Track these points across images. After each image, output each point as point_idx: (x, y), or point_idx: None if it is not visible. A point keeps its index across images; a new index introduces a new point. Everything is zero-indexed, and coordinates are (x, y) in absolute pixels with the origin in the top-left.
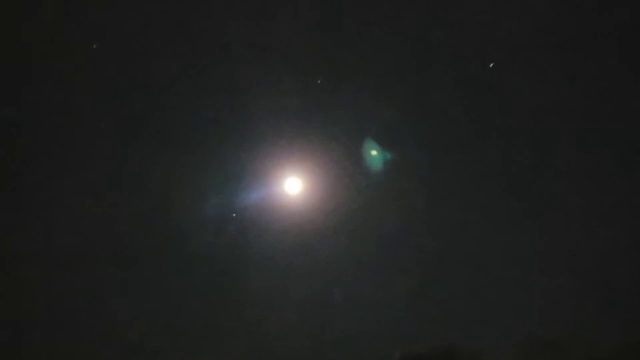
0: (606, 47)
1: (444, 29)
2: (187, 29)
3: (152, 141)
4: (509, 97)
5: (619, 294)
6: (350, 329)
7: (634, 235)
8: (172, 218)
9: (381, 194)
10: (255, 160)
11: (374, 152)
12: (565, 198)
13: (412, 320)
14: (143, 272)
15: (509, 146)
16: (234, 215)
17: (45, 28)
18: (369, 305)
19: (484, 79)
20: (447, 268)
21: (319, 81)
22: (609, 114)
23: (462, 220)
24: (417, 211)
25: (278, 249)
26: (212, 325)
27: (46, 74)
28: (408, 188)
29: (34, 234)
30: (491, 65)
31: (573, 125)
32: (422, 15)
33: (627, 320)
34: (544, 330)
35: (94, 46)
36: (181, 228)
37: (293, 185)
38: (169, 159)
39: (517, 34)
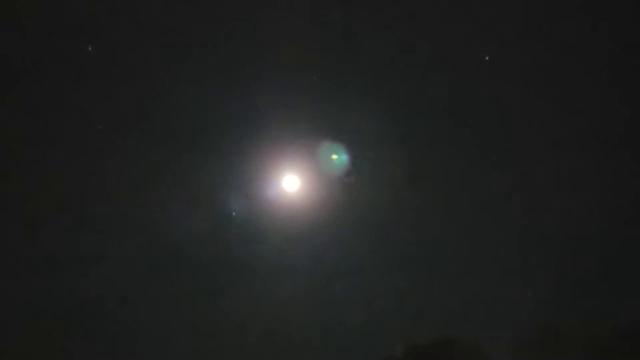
0: (598, 44)
1: (440, 27)
2: (186, 30)
3: (152, 140)
4: (506, 95)
5: (617, 282)
6: (352, 324)
7: (632, 224)
8: (172, 216)
9: (380, 190)
10: (253, 158)
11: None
12: (562, 189)
13: (412, 313)
14: (143, 270)
15: (504, 141)
16: (233, 214)
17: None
18: (369, 299)
19: (478, 76)
20: (446, 262)
21: (315, 77)
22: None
23: (461, 215)
24: (415, 207)
25: (278, 247)
26: (212, 322)
27: (46, 76)
28: (407, 183)
29: (35, 234)
30: (487, 58)
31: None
32: (420, 13)
33: (625, 308)
34: (541, 320)
35: (89, 48)
36: (181, 227)
37: (291, 183)
38: (167, 159)
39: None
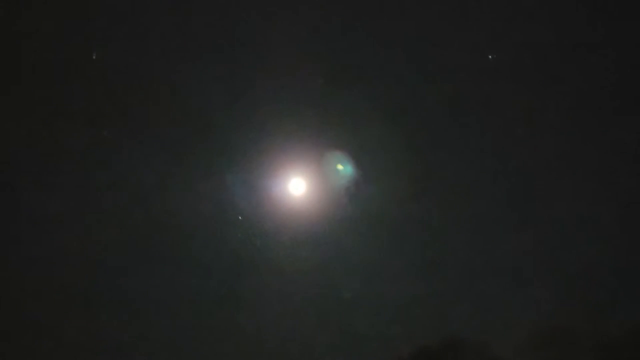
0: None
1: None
2: (189, 32)
3: (158, 145)
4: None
5: (626, 282)
6: (359, 326)
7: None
8: (178, 220)
9: (388, 195)
10: (260, 162)
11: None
12: (567, 193)
13: (419, 315)
14: (148, 275)
15: (512, 144)
16: (239, 218)
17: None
18: (377, 301)
19: (482, 77)
20: (454, 264)
21: (320, 81)
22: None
23: (468, 218)
24: (422, 211)
25: (285, 251)
26: (216, 326)
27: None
28: (415, 187)
29: (33, 237)
30: (490, 57)
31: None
32: (421, 17)
33: (635, 308)
34: (550, 321)
35: (94, 56)
36: (187, 230)
37: (297, 187)
38: (174, 163)
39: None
